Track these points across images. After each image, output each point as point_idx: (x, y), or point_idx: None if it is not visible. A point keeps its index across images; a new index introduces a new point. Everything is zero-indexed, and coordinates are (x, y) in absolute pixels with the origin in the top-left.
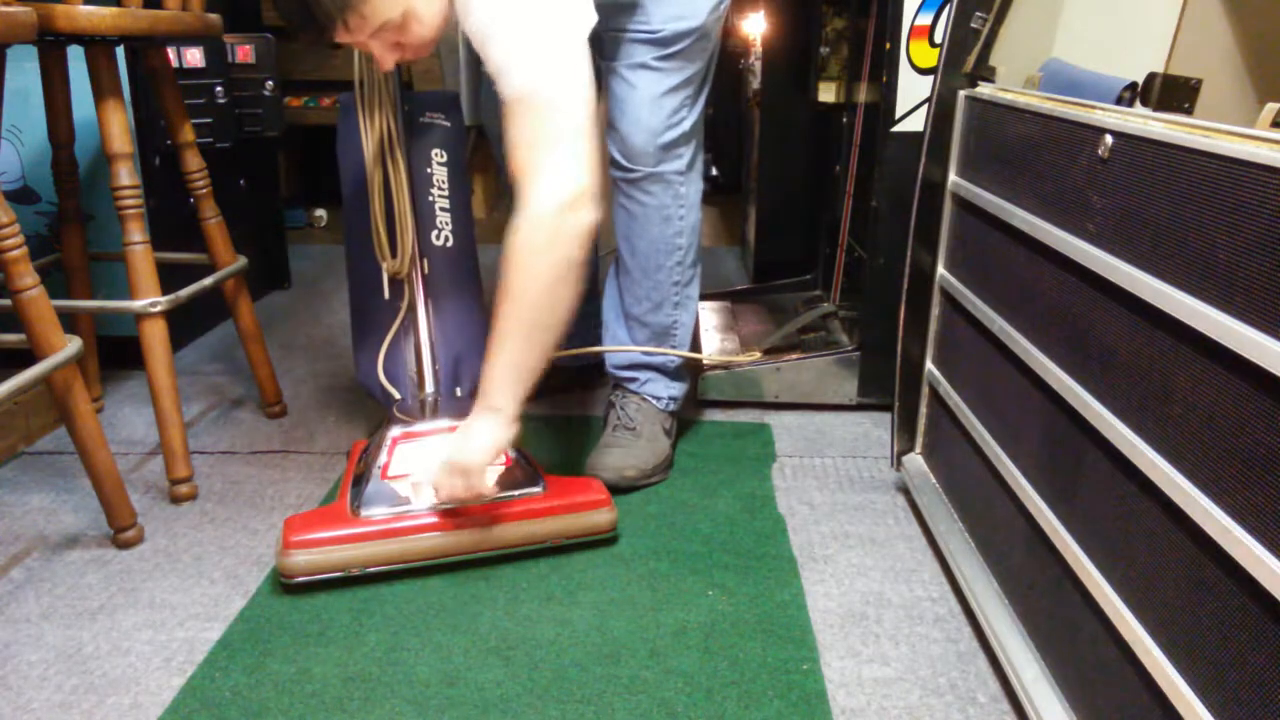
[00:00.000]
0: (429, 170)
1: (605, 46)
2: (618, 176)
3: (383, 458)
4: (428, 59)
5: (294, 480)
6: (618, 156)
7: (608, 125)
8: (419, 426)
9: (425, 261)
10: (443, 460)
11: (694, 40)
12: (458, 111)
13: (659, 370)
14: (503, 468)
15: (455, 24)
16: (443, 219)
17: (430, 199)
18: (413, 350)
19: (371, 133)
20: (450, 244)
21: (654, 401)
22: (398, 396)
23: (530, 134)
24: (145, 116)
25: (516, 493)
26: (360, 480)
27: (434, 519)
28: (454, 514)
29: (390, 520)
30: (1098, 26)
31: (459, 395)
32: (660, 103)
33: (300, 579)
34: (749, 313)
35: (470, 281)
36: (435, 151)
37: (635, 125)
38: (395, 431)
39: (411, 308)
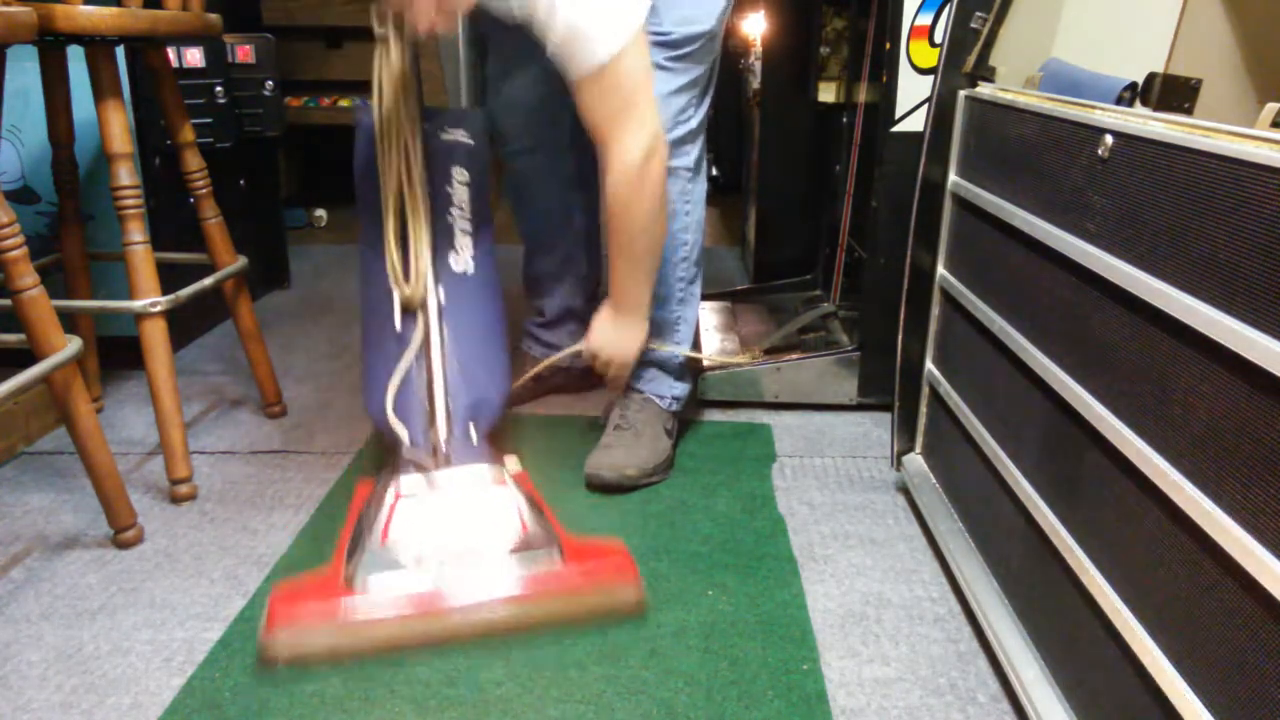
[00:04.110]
0: (448, 189)
1: None
2: None
3: (382, 516)
4: (428, 60)
5: (294, 480)
6: None
7: None
8: (423, 485)
9: (441, 289)
10: (591, 352)
11: (703, 43)
12: (481, 131)
13: (662, 368)
14: (520, 532)
15: (455, 32)
16: (462, 242)
17: (449, 219)
18: (425, 387)
19: (389, 147)
20: (471, 272)
21: (657, 400)
22: (406, 441)
23: (613, 101)
24: (145, 116)
25: (532, 571)
26: (358, 541)
27: (437, 601)
28: (460, 596)
29: (388, 604)
30: (1098, 26)
31: (474, 443)
32: (669, 101)
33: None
34: (749, 313)
35: (491, 315)
36: (455, 170)
37: None
38: (399, 484)
39: (425, 341)
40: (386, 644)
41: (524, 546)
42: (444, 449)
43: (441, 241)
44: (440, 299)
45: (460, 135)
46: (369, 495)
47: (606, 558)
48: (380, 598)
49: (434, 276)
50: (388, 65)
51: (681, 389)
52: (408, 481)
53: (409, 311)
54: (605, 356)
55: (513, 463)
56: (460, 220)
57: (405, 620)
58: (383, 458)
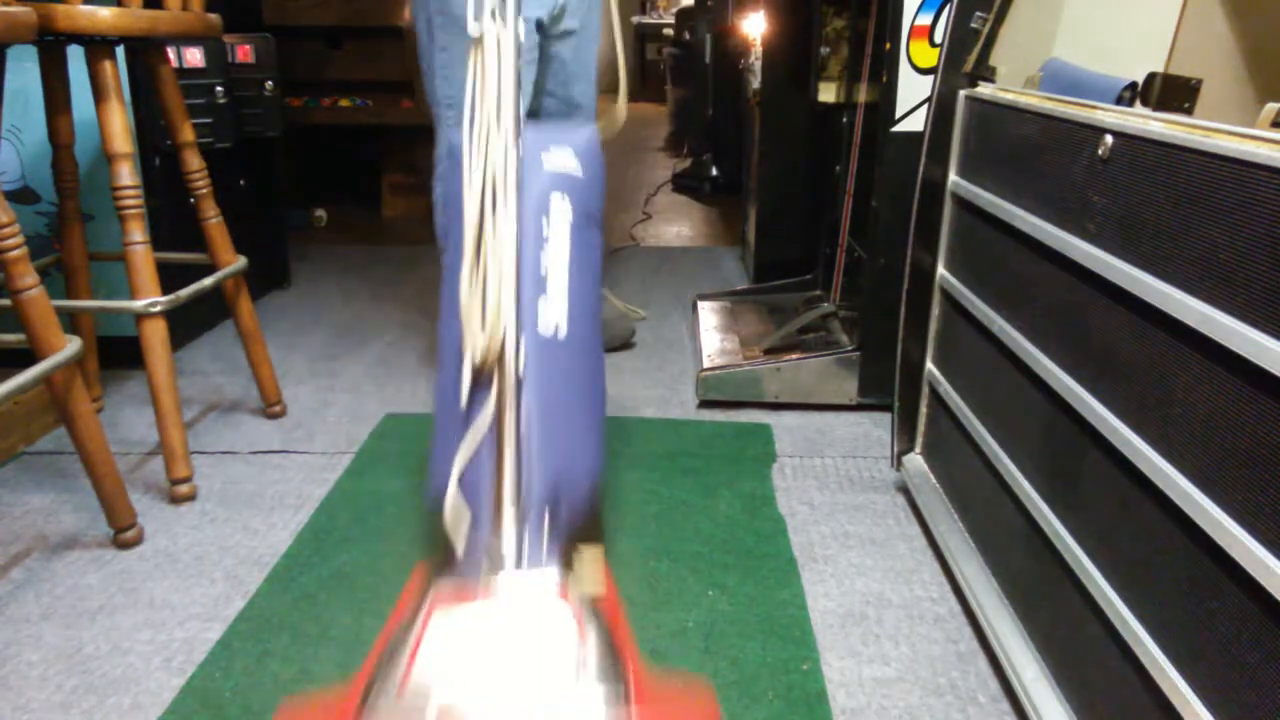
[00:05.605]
0: (543, 221)
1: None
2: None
3: (409, 643)
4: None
5: (294, 480)
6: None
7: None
8: (465, 602)
9: (524, 353)
10: None
11: None
12: (594, 155)
13: None
14: (578, 674)
15: None
16: (556, 292)
17: (541, 262)
18: (493, 474)
19: (476, 170)
20: (563, 335)
21: None
22: (461, 536)
23: None
24: (145, 116)
25: None
26: (382, 667)
27: None
28: None
29: None
30: (1098, 26)
31: (545, 541)
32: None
33: None
34: (749, 313)
35: (585, 386)
36: (556, 199)
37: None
38: (432, 603)
39: (499, 419)
40: None
41: (582, 697)
42: (510, 549)
43: (528, 289)
44: (520, 367)
45: (566, 159)
46: (414, 598)
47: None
48: None
49: (515, 335)
50: (485, 70)
51: None
52: (444, 599)
53: (482, 374)
54: None
55: (590, 559)
56: (556, 264)
57: None
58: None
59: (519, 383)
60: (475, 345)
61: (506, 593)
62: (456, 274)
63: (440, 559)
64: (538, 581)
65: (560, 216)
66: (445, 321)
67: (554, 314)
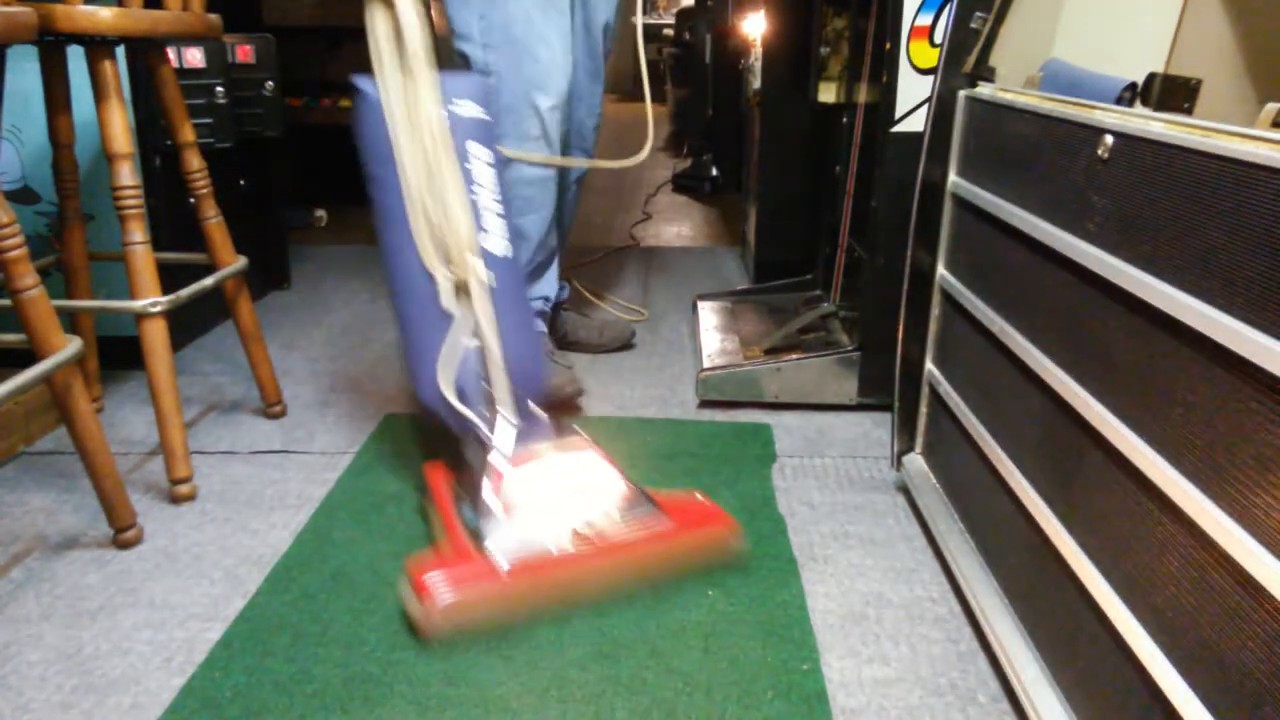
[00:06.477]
0: (467, 166)
1: None
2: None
3: (493, 482)
4: None
5: (294, 480)
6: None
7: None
8: (524, 456)
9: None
10: None
11: None
12: (490, 98)
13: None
14: (624, 500)
15: None
16: (493, 223)
17: (474, 198)
18: (477, 367)
19: (409, 121)
20: (510, 254)
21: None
22: (475, 421)
23: None
24: (145, 116)
25: (649, 529)
26: (480, 515)
27: (577, 564)
28: (595, 554)
29: (535, 568)
30: (1098, 26)
31: (534, 416)
32: None
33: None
34: (749, 313)
35: (524, 295)
36: (471, 145)
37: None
38: (503, 459)
39: (478, 323)
40: (538, 607)
41: (629, 506)
42: (515, 422)
43: (474, 220)
44: (489, 284)
45: (471, 107)
46: (457, 475)
47: (708, 518)
48: (527, 565)
49: (481, 260)
50: (386, 24)
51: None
52: (510, 455)
53: (457, 293)
54: None
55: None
56: (487, 198)
57: (554, 583)
58: (427, 439)
59: (490, 296)
60: (450, 270)
61: (556, 453)
62: (397, 213)
63: (456, 443)
64: (569, 443)
65: (479, 158)
66: (398, 253)
67: (497, 239)
